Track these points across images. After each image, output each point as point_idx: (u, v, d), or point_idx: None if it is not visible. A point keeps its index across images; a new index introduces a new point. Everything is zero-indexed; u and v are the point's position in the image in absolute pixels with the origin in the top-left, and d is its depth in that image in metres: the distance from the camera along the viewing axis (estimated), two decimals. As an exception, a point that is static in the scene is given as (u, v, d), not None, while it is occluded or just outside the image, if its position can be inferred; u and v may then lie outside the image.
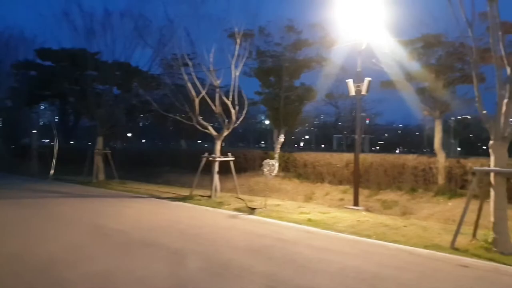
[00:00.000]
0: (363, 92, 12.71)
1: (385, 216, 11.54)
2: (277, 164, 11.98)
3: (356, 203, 12.82)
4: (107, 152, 20.00)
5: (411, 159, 14.25)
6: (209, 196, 13.84)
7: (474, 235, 8.15)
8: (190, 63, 13.63)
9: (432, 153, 18.43)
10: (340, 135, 52.41)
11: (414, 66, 14.85)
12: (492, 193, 7.64)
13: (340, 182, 15.89)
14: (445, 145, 14.89)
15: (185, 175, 18.86)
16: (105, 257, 6.53)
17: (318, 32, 18.34)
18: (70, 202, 13.35)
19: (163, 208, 12.28)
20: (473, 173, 9.11)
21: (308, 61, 18.75)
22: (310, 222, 10.10)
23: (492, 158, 7.67)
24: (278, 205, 12.84)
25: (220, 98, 13.57)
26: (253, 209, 11.88)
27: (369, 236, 8.56)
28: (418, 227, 9.73)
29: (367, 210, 12.76)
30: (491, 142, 7.69)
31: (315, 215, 11.05)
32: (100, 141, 20.00)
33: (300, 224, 9.87)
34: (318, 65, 19.14)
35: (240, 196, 14.40)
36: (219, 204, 12.64)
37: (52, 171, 21.79)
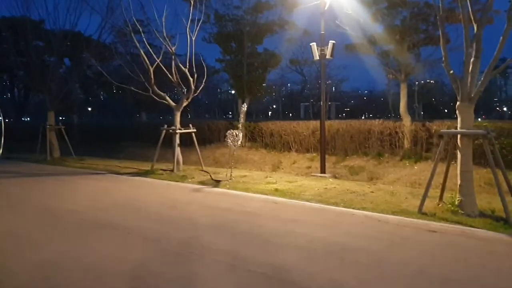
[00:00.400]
0: (328, 56, 12.25)
1: (352, 182, 11.39)
2: (241, 134, 11.48)
3: (323, 170, 12.61)
4: (61, 127, 18.79)
5: (377, 124, 14.11)
6: (172, 170, 13.24)
7: (441, 198, 8.07)
8: (141, 29, 12.61)
9: (397, 118, 18.44)
10: (307, 103, 52.44)
11: (378, 28, 14.51)
12: (458, 155, 7.49)
13: (307, 150, 15.65)
14: (409, 109, 14.84)
15: (147, 149, 18.06)
16: (52, 243, 5.91)
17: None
18: (18, 182, 12.39)
19: (122, 184, 11.60)
20: (440, 136, 8.96)
21: (270, 25, 17.97)
22: (277, 192, 9.77)
23: (459, 119, 7.47)
24: (245, 176, 12.44)
25: (177, 66, 12.73)
26: (218, 181, 11.43)
27: (336, 204, 8.32)
28: (385, 192, 9.60)
29: (334, 177, 12.60)
30: (458, 103, 7.46)
31: (282, 185, 10.73)
32: (51, 116, 18.72)
33: (266, 194, 9.51)
34: (281, 29, 18.42)
35: (205, 168, 13.88)
36: (182, 178, 12.09)
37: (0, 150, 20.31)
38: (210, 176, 12.34)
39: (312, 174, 12.79)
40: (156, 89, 12.99)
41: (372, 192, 9.63)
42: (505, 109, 68.92)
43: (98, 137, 24.59)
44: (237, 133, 11.37)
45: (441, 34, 7.67)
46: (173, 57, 12.66)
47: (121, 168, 14.93)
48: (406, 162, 12.72)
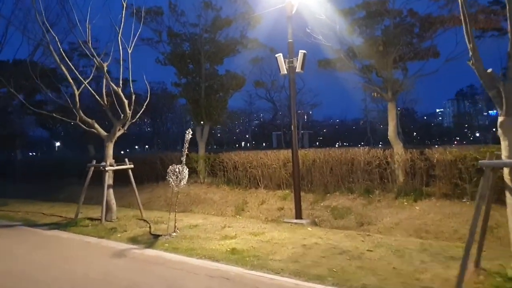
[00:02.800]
0: (298, 69, 9.66)
1: (338, 232, 8.53)
2: (186, 171, 8.51)
3: (298, 214, 9.73)
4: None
5: (362, 153, 11.46)
6: (105, 218, 10.05)
7: (477, 262, 5.30)
8: (58, 39, 9.68)
9: (378, 145, 15.79)
10: (279, 132, 50.11)
11: (358, 39, 12.16)
12: (508, 197, 4.81)
13: (278, 186, 12.77)
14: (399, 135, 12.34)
15: (93, 188, 14.79)
16: None
17: (240, 7, 15.15)
18: None
19: (23, 244, 8.30)
20: (479, 169, 6.31)
21: (231, 44, 15.43)
22: (234, 254, 6.79)
23: (504, 144, 4.84)
24: (196, 226, 9.38)
25: (108, 86, 9.81)
26: (157, 236, 8.35)
27: (322, 278, 5.41)
28: (388, 250, 6.78)
29: (314, 223, 9.75)
30: (501, 119, 4.85)
31: (243, 240, 7.76)
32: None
33: (218, 260, 6.51)
34: (243, 47, 15.91)
35: (147, 215, 10.71)
36: (110, 232, 8.91)
37: None
38: (150, 227, 9.23)
39: (285, 220, 9.87)
40: (82, 115, 9.97)
41: (370, 250, 6.78)
42: None
43: (43, 174, 21.04)
44: (181, 169, 8.41)
45: (463, 16, 5.12)
46: (105, 74, 9.74)
47: (43, 217, 11.57)
48: (404, 201, 10.03)
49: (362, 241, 7.52)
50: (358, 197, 10.96)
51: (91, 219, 10.25)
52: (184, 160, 8.48)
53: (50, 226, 10.00)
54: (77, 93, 9.90)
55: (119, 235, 8.61)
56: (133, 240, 8.13)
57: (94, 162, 10.31)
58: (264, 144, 62.71)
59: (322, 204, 11.19)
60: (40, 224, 10.47)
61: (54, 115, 10.46)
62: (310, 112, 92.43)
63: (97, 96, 9.86)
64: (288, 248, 7.10)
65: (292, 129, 9.82)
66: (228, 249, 7.09)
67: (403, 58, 11.90)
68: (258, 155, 13.19)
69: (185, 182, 8.45)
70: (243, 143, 75.13)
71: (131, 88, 10.27)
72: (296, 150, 9.88)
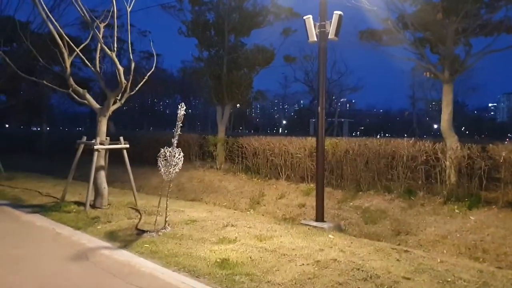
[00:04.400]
0: (332, 34, 7.69)
1: (366, 242, 6.64)
2: (181, 155, 6.87)
3: (320, 216, 7.90)
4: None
5: (406, 145, 9.38)
6: (92, 206, 8.71)
7: None
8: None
9: (425, 138, 13.50)
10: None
11: (410, 5, 9.91)
12: None
13: (302, 179, 10.97)
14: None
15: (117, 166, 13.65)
16: None
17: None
18: None
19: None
20: None
21: (259, 12, 13.56)
22: (223, 269, 5.12)
23: None
24: (194, 221, 7.79)
25: (102, 50, 8.29)
26: (143, 232, 6.86)
27: (331, 326, 3.63)
28: (432, 279, 4.85)
29: (338, 227, 7.90)
30: None
31: (243, 247, 6.08)
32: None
33: (199, 276, 4.89)
34: (276, 18, 13.99)
35: (144, 204, 9.28)
36: (90, 222, 7.50)
37: None
38: (139, 220, 7.76)
39: (303, 221, 8.07)
40: (72, 82, 8.60)
41: (407, 278, 4.88)
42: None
43: (66, 149, 20.34)
44: (175, 153, 6.78)
45: None
46: (96, 33, 8.22)
47: (36, 196, 10.47)
48: (454, 208, 7.95)
49: (398, 260, 5.62)
50: (396, 198, 8.97)
51: (80, 203, 8.92)
52: (176, 142, 6.85)
53: (33, 209, 8.78)
54: (67, 57, 8.49)
55: (99, 227, 7.19)
56: (111, 236, 6.67)
57: (84, 138, 8.94)
58: (301, 131, 60.46)
59: (351, 203, 9.29)
60: (26, 205, 9.31)
61: (45, 82, 9.14)
62: (353, 101, 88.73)
63: (86, 62, 8.40)
64: (296, 264, 5.34)
65: (319, 110, 7.92)
66: (219, 260, 5.44)
67: (466, 31, 9.55)
68: (281, 142, 11.39)
69: (177, 170, 6.83)
70: (280, 129, 73.18)
71: (130, 54, 8.74)
72: (322, 137, 7.99)
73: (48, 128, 27.15)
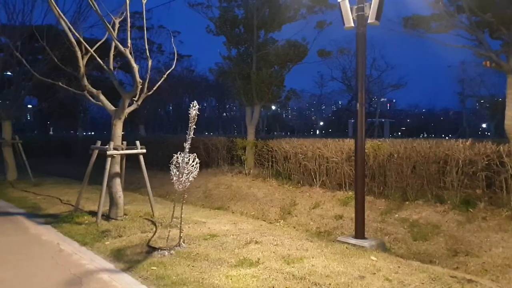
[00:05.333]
0: (371, 19, 6.52)
1: (417, 266, 5.42)
2: (195, 161, 5.94)
3: (360, 231, 6.72)
4: (17, 142, 14.39)
5: (461, 148, 8.01)
6: (107, 216, 8.00)
7: None
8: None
9: (474, 138, 11.91)
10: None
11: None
12: None
13: (340, 186, 9.80)
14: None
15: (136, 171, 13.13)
16: None
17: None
18: None
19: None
20: None
21: (291, 5, 12.49)
22: (237, 304, 4.14)
23: None
24: (214, 236, 6.86)
25: (116, 47, 7.54)
26: (154, 249, 6.00)
27: None
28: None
29: (382, 244, 6.69)
30: None
31: (266, 272, 5.07)
32: (7, 127, 14.35)
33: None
34: (309, 11, 12.88)
35: (163, 213, 8.46)
36: (99, 237, 6.75)
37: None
38: (154, 233, 6.93)
39: (340, 238, 6.92)
40: (86, 83, 7.93)
41: (480, 327, 3.68)
42: None
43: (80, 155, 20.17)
44: (189, 159, 5.86)
45: None
46: (109, 29, 7.50)
47: (55, 205, 9.95)
48: (527, 223, 6.54)
49: (461, 295, 4.40)
50: (451, 210, 7.63)
51: (96, 213, 8.22)
52: (188, 147, 5.92)
53: (47, 219, 8.20)
54: (80, 56, 7.84)
55: (107, 243, 6.41)
56: (117, 254, 5.85)
57: (99, 143, 8.25)
58: (339, 133, 58.55)
59: (396, 215, 8.04)
60: (42, 214, 8.77)
61: (60, 84, 8.56)
62: (394, 100, 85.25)
63: (99, 60, 7.68)
64: (330, 300, 4.26)
65: (358, 107, 6.76)
66: (234, 290, 4.46)
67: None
68: (315, 145, 10.28)
69: (191, 179, 5.91)
70: (317, 131, 71.44)
71: (147, 51, 7.96)
72: (362, 139, 6.82)
73: (84, 133, 27.38)
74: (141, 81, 7.55)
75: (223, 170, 12.71)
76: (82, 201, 9.93)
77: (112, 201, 8.00)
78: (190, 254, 5.83)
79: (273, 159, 11.46)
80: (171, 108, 46.66)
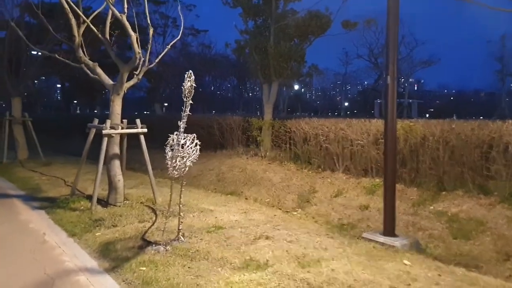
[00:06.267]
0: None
1: (463, 274, 4.41)
2: (194, 144, 5.02)
3: (389, 227, 5.72)
4: (27, 120, 13.90)
5: (510, 129, 6.80)
6: (106, 201, 7.26)
7: None
8: None
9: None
10: (383, 100, 43.98)
11: None
12: None
13: (365, 172, 8.76)
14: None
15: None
16: None
17: None
18: None
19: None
20: None
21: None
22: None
23: None
24: (219, 228, 6.00)
25: (114, 15, 6.65)
26: (148, 243, 5.21)
27: None
28: None
29: (416, 244, 5.67)
30: None
31: (275, 276, 4.20)
32: (16, 104, 13.85)
33: None
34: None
35: (162, 202, 7.65)
36: (91, 226, 6.00)
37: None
38: (152, 224, 6.13)
39: (366, 234, 5.93)
40: (81, 54, 7.10)
41: None
42: None
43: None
44: (186, 140, 4.95)
45: None
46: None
47: (57, 187, 9.38)
48: None
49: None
50: (498, 203, 6.52)
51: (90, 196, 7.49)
52: (183, 125, 5.00)
53: (42, 204, 7.56)
54: (74, 24, 6.98)
55: (97, 234, 5.65)
56: (105, 249, 5.07)
57: (96, 121, 7.46)
58: (365, 113, 56.57)
59: (431, 207, 6.98)
60: (40, 198, 8.15)
61: (57, 56, 7.77)
62: (422, 81, 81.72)
63: (94, 28, 6.79)
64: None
65: (389, 81, 5.67)
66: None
67: None
68: (338, 125, 9.22)
69: (189, 163, 5.01)
70: (342, 112, 69.41)
71: (148, 18, 7.01)
72: (393, 118, 5.75)
73: (106, 112, 27.04)
74: (140, 51, 6.66)
75: (237, 152, 11.83)
76: (86, 184, 9.30)
77: (111, 185, 7.25)
78: (188, 250, 5.00)
79: (291, 141, 10.47)
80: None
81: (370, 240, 5.62)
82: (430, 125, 7.97)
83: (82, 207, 7.01)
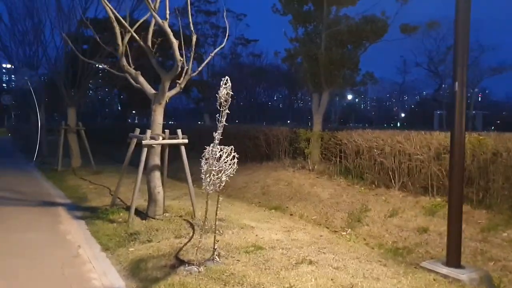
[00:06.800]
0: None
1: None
2: (231, 158, 4.60)
3: (454, 256, 4.92)
4: (81, 129, 14.35)
5: None
6: (145, 214, 7.05)
7: None
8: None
9: None
10: (442, 112, 41.42)
11: None
12: None
13: (425, 190, 7.88)
14: None
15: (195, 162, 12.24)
16: None
17: None
18: None
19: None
20: None
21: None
22: None
23: None
24: (258, 249, 5.51)
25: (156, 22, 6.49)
26: (181, 263, 4.84)
27: None
28: None
29: (486, 279, 4.82)
30: None
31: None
32: (71, 114, 14.37)
33: None
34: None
35: (202, 216, 7.30)
36: (125, 241, 5.76)
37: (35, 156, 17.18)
38: (188, 240, 5.78)
39: (426, 263, 5.15)
40: (125, 63, 7.01)
41: None
42: None
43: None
44: (222, 153, 4.55)
45: None
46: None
47: (102, 196, 9.40)
48: None
49: None
50: None
51: (135, 210, 7.31)
52: (218, 137, 4.59)
53: (84, 214, 7.53)
54: (118, 33, 6.91)
55: (130, 249, 5.39)
56: (136, 267, 4.78)
57: (137, 131, 7.32)
58: (422, 125, 53.70)
59: (505, 234, 6.03)
60: (83, 207, 8.16)
61: (104, 66, 7.83)
62: (487, 91, 76.30)
63: (136, 36, 6.65)
64: None
65: (457, 88, 4.93)
66: None
67: None
68: (394, 138, 8.43)
69: (225, 178, 4.59)
70: (398, 123, 66.46)
71: (191, 24, 6.77)
72: (462, 130, 4.99)
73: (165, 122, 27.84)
74: (181, 59, 6.42)
75: (284, 164, 11.31)
76: (130, 194, 9.22)
77: (151, 197, 7.04)
78: (222, 273, 4.56)
79: (342, 154, 9.78)
80: (241, 97, 46.23)
81: (430, 270, 4.86)
82: (504, 139, 6.99)
83: (120, 219, 6.85)
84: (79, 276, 4.54)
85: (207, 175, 4.50)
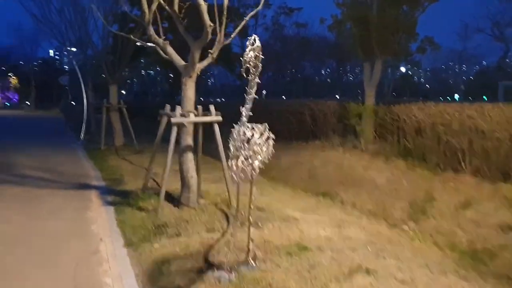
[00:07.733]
0: None
1: None
2: (266, 138, 3.68)
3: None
4: (122, 106, 14.03)
5: None
6: (177, 201, 6.38)
7: None
8: None
9: None
10: (509, 82, 37.49)
11: None
12: None
13: (505, 175, 6.56)
14: None
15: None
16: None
17: None
18: None
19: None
20: None
21: None
22: None
23: None
24: (303, 249, 4.62)
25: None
26: (210, 266, 4.08)
27: None
28: None
29: None
30: None
31: None
32: (113, 91, 14.04)
33: None
34: None
35: (241, 204, 6.51)
36: (150, 234, 5.08)
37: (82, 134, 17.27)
38: (221, 236, 5.01)
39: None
40: (152, 32, 6.22)
41: None
42: None
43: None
44: (253, 133, 3.64)
45: None
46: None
47: (138, 178, 8.85)
48: None
49: None
50: None
51: (169, 195, 6.65)
52: (246, 113, 3.68)
53: (115, 199, 7.02)
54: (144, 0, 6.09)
55: (155, 246, 4.70)
56: (157, 270, 4.08)
57: (168, 108, 6.58)
58: (485, 98, 49.44)
59: None
60: (117, 191, 7.68)
61: (132, 36, 7.03)
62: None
63: (163, 4, 5.80)
64: None
65: None
66: None
67: None
68: (464, 112, 7.09)
69: (257, 164, 3.70)
70: (456, 95, 61.76)
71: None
72: None
73: (200, 99, 27.34)
74: (211, 24, 5.51)
75: (332, 143, 10.23)
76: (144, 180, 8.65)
77: (183, 182, 6.34)
78: (258, 282, 3.75)
79: (400, 132, 8.54)
80: (289, 72, 44.64)
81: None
82: None
83: (150, 206, 6.20)
84: (91, 280, 3.91)
85: (233, 162, 3.63)
